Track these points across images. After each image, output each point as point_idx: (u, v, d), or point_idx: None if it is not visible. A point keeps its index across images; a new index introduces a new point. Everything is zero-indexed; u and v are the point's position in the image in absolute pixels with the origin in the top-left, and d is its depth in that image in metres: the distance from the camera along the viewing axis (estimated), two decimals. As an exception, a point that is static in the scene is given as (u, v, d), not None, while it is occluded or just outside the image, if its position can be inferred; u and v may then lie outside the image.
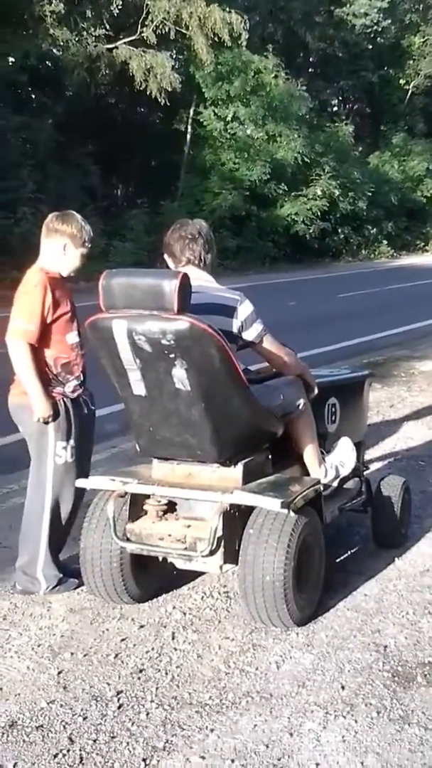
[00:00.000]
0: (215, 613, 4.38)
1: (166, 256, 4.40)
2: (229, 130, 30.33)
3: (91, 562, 4.35)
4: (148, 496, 4.34)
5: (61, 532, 4.67)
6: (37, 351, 4.42)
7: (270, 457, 4.45)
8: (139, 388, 4.05)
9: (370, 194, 34.14)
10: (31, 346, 4.38)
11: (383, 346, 13.16)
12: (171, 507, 4.31)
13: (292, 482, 4.37)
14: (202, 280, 4.21)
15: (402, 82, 42.47)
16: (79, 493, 4.62)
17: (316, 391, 4.66)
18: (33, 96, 26.59)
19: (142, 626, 4.25)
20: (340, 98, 45.04)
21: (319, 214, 31.04)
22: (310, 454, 4.61)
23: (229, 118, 30.27)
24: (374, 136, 42.26)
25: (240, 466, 4.23)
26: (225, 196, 28.60)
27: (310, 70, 41.53)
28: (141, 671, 3.83)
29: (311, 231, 31.03)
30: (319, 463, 4.65)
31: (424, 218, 39.77)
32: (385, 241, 36.25)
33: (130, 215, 26.98)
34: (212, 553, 4.08)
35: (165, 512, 4.30)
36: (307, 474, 4.62)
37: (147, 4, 25.64)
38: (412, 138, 40.83)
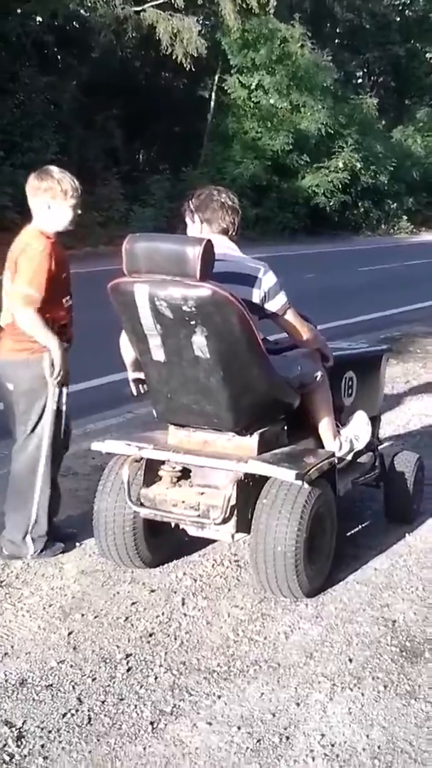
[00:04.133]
0: (225, 581, 4.40)
1: (192, 220, 4.34)
2: (253, 99, 30.11)
3: (105, 526, 4.37)
4: (162, 462, 4.35)
5: (56, 492, 4.68)
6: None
7: (285, 428, 4.44)
8: (158, 353, 4.05)
9: (392, 168, 33.91)
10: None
11: (401, 322, 13.14)
12: (185, 474, 4.32)
13: (307, 454, 4.36)
14: (227, 248, 4.19)
15: (429, 56, 41.99)
16: (63, 448, 4.67)
17: (331, 362, 4.65)
18: (59, 57, 26.40)
19: (152, 591, 4.27)
20: (365, 70, 44.68)
21: (340, 186, 30.88)
22: (325, 426, 4.60)
23: (253, 87, 30.05)
24: (398, 110, 41.98)
25: (255, 436, 4.23)
26: (247, 165, 28.47)
27: (336, 41, 41.19)
28: (150, 635, 3.86)
29: (332, 204, 30.89)
30: (334, 435, 4.64)
31: (446, 195, 39.53)
32: (405, 217, 36.05)
33: (152, 180, 26.85)
34: (225, 521, 4.10)
35: (179, 479, 4.32)
36: (322, 446, 4.62)
37: (176, -33, 25.40)
38: (437, 113, 40.45)
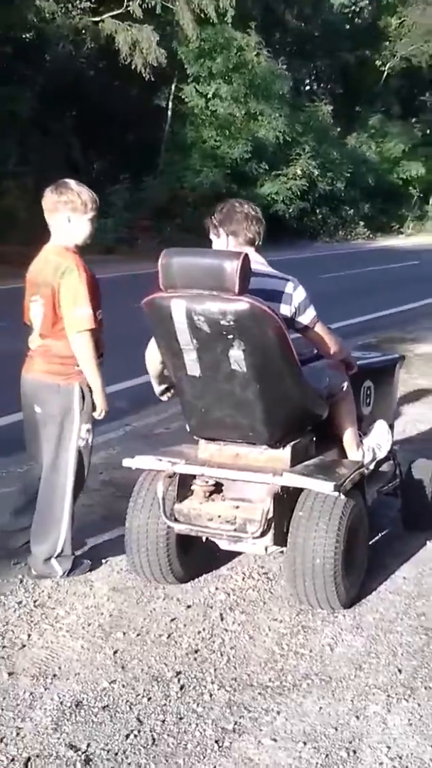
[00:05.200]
0: (259, 595, 4.39)
1: (218, 235, 4.33)
2: (210, 108, 30.15)
3: (137, 542, 4.35)
4: (194, 477, 4.33)
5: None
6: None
7: (314, 439, 4.45)
8: (193, 368, 4.03)
9: (348, 175, 34.18)
10: None
11: (375, 328, 13.20)
12: (218, 488, 4.31)
13: (338, 465, 4.39)
14: (257, 263, 4.19)
15: (378, 63, 42.43)
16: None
17: (355, 369, 4.67)
18: (15, 67, 26.23)
19: (189, 606, 4.25)
20: (315, 77, 44.91)
21: (298, 193, 31.02)
22: (349, 436, 4.62)
23: (210, 95, 30.09)
24: (350, 117, 42.25)
25: (288, 448, 4.23)
26: (206, 174, 28.48)
27: (287, 49, 41.36)
28: (196, 652, 3.84)
29: (290, 211, 31.03)
30: (358, 445, 4.66)
31: (400, 200, 39.88)
32: (361, 223, 36.32)
33: (111, 191, 26.77)
34: (263, 534, 4.09)
35: (211, 493, 4.30)
36: (345, 456, 4.63)
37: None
38: (389, 120, 40.83)
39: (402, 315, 14.88)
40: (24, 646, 3.88)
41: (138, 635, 3.98)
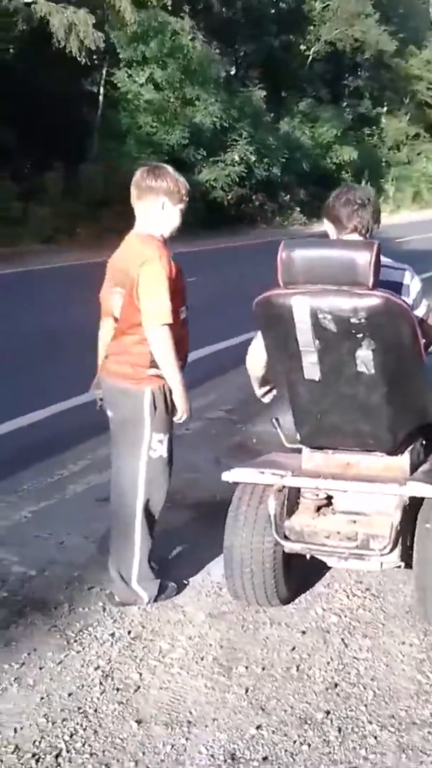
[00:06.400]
0: (372, 614, 4.04)
1: (326, 222, 3.97)
2: (144, 93, 29.54)
3: (240, 563, 3.94)
4: (298, 489, 3.96)
5: (153, 533, 4.17)
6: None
7: (424, 443, 4.10)
8: (312, 371, 3.63)
9: (283, 160, 33.85)
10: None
11: None
12: (328, 500, 3.94)
13: None
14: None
15: (302, 48, 42.29)
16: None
17: None
18: None
19: (303, 632, 3.88)
20: (241, 63, 44.54)
21: (237, 180, 30.62)
22: (451, 438, 4.28)
23: (143, 81, 29.48)
24: (278, 102, 41.96)
25: (407, 455, 3.88)
26: (144, 160, 27.88)
27: (214, 33, 40.88)
28: (335, 686, 3.47)
29: (229, 197, 30.62)
30: (457, 448, 4.32)
31: (334, 185, 39.28)
32: (297, 208, 36.03)
33: (47, 178, 26.07)
34: (391, 550, 3.73)
35: (321, 506, 3.93)
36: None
37: (65, -42, 24.63)
38: (319, 104, 40.67)
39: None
40: (139, 687, 3.47)
41: (263, 669, 3.59)
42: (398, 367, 3.60)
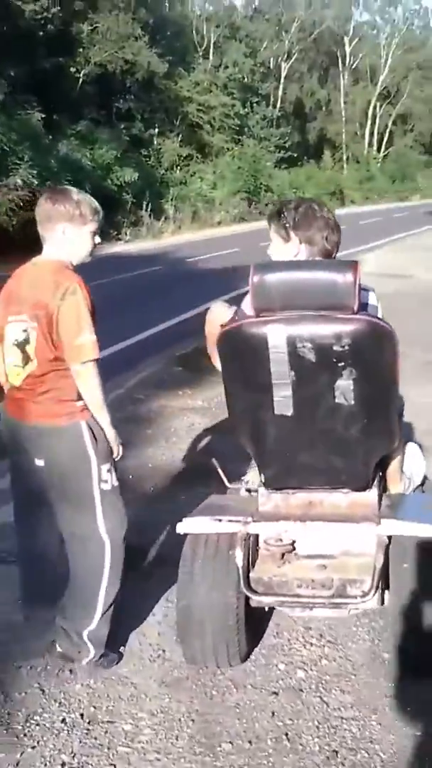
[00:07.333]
0: (338, 665, 3.72)
1: (286, 238, 3.54)
2: None
3: (200, 624, 3.52)
4: (256, 537, 3.60)
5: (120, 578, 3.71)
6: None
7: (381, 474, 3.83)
8: (284, 406, 3.28)
9: (66, 183, 33.27)
10: None
11: (183, 334, 12.12)
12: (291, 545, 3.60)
13: (414, 503, 3.82)
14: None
15: (73, 70, 42.10)
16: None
17: None
18: None
19: (275, 693, 3.51)
20: (16, 85, 43.69)
21: (21, 204, 29.77)
22: (395, 466, 4.03)
23: None
24: (53, 125, 41.42)
25: (374, 490, 3.59)
26: None
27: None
28: (336, 753, 3.13)
29: (14, 223, 29.72)
30: (400, 476, 4.09)
31: (116, 207, 39.34)
32: (86, 231, 35.59)
33: None
34: (374, 594, 3.41)
35: (285, 553, 3.58)
36: (386, 489, 4.03)
37: None
38: (96, 126, 40.47)
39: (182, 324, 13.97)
40: (120, 784, 2.99)
41: (251, 743, 3.20)
42: (377, 396, 3.31)
